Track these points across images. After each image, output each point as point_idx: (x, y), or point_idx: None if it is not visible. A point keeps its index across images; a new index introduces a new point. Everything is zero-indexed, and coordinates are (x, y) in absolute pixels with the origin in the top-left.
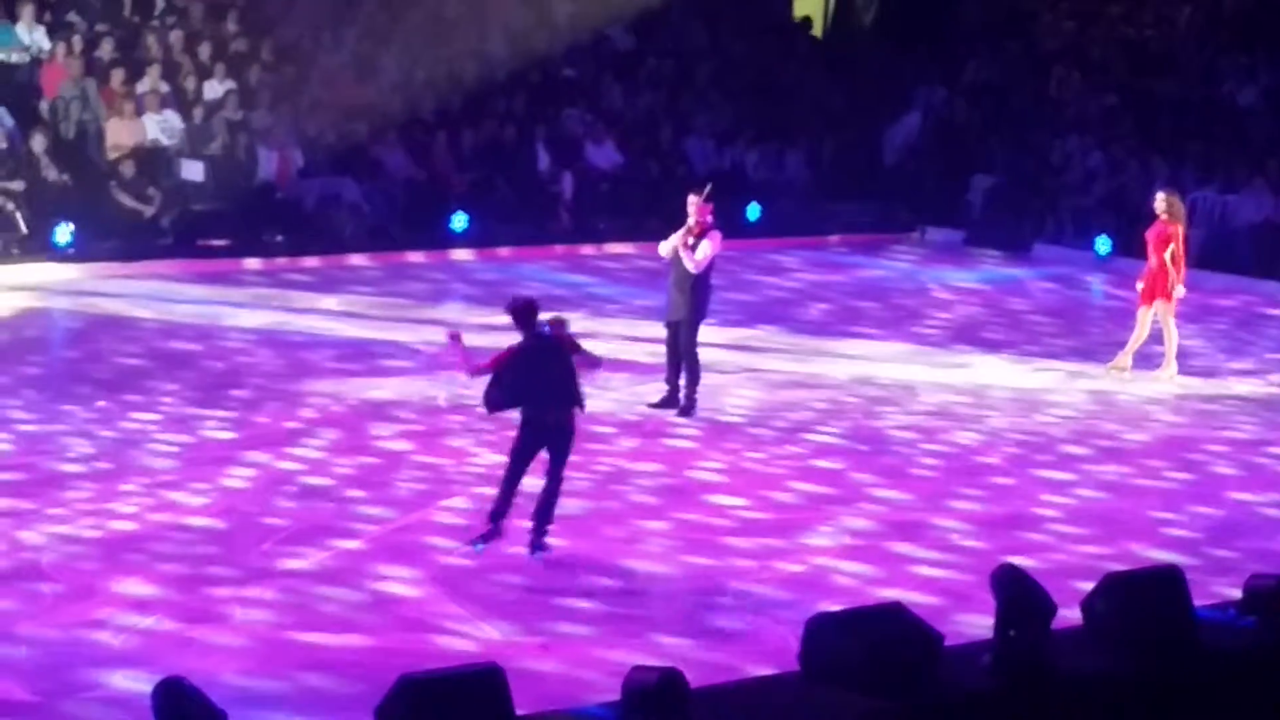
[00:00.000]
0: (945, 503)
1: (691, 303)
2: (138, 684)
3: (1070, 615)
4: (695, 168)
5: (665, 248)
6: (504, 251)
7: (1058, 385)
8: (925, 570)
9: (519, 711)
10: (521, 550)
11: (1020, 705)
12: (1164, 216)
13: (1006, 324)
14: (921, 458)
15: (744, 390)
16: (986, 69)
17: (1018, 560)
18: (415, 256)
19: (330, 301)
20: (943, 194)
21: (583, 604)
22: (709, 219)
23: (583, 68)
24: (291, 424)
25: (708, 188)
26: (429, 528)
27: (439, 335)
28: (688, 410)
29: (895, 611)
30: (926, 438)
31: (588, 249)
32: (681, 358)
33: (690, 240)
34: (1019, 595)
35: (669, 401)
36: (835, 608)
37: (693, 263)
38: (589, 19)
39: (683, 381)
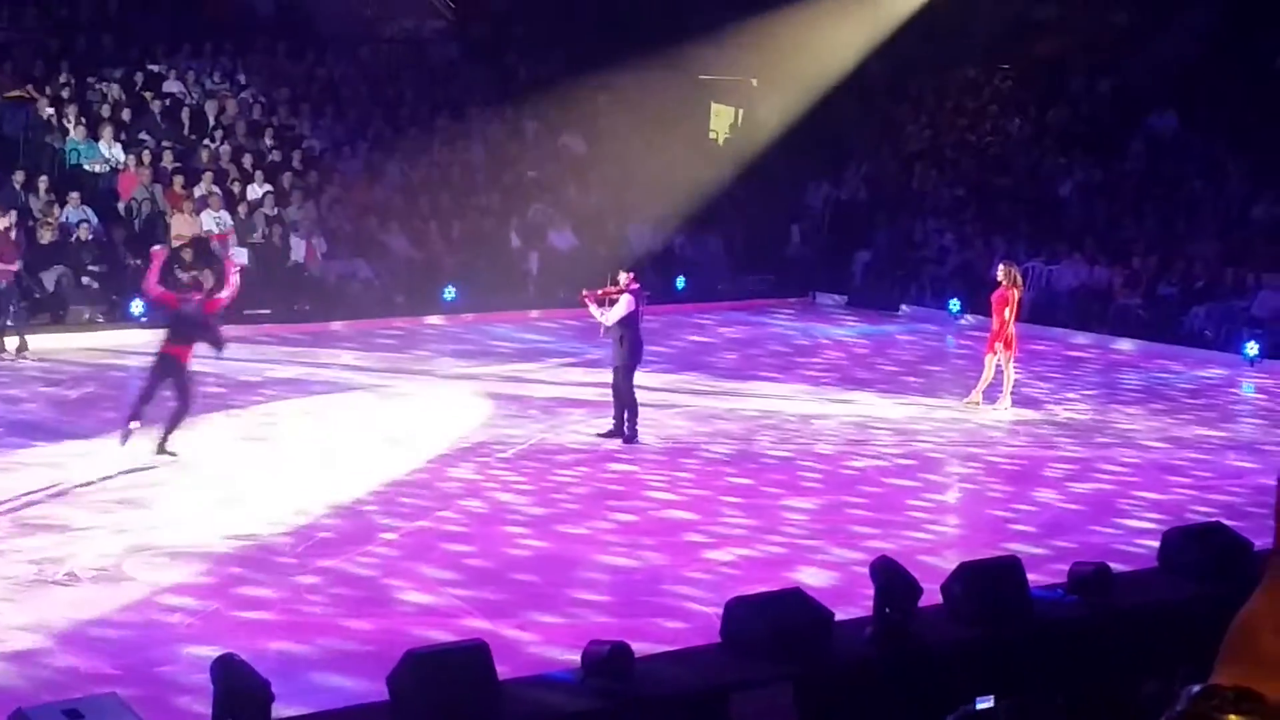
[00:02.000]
0: (836, 507)
1: (626, 351)
2: (200, 659)
3: (933, 596)
4: (635, 249)
5: (608, 318)
6: (484, 316)
7: (922, 415)
8: (821, 557)
9: (501, 678)
10: (508, 550)
11: (894, 668)
12: (1004, 282)
13: (880, 368)
14: (816, 472)
15: (675, 422)
16: (864, 168)
17: (891, 551)
18: (415, 321)
19: (348, 357)
20: (829, 267)
21: (552, 591)
22: (634, 286)
23: (546, 170)
24: (320, 454)
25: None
26: (430, 534)
27: (436, 381)
28: (630, 439)
29: (795, 595)
30: (821, 457)
31: (550, 313)
32: (621, 396)
33: (607, 299)
34: (893, 580)
35: (615, 432)
36: (750, 591)
37: (605, 318)
38: (551, 131)
39: (626, 415)
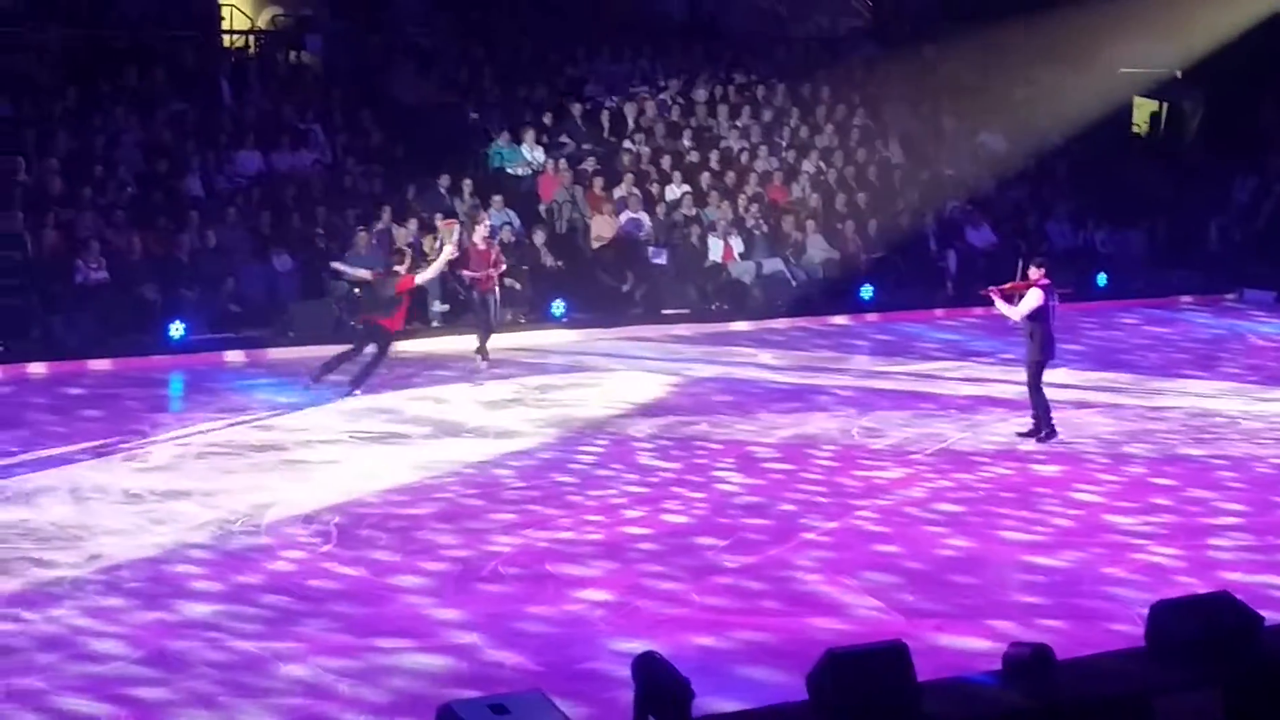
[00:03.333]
0: (1266, 508)
1: (1035, 348)
2: (621, 655)
3: None
4: (1054, 245)
5: (1016, 313)
6: (902, 314)
7: None
8: (1251, 559)
9: (920, 679)
10: (930, 550)
11: None
12: None
13: None
14: (1244, 472)
15: (1097, 420)
16: None
17: None
18: (832, 320)
19: (766, 356)
20: (1260, 262)
21: (973, 592)
22: (1043, 281)
23: (962, 167)
24: (739, 454)
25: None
26: (850, 532)
27: (852, 381)
28: (1046, 437)
29: (1223, 598)
30: (1249, 457)
31: (968, 312)
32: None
33: (1016, 295)
34: None
35: (1034, 431)
36: (1177, 594)
37: (1012, 313)
38: (969, 128)
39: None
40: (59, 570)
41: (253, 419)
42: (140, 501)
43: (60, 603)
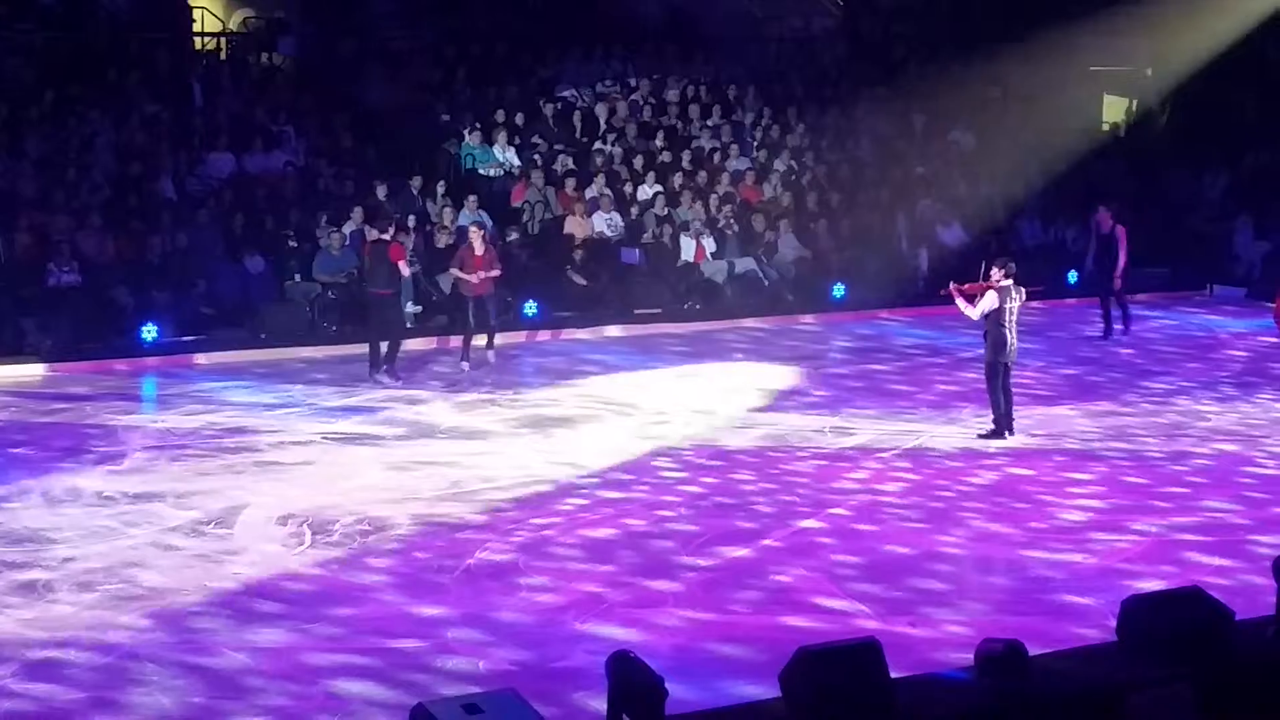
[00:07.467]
0: (1236, 504)
1: (990, 347)
2: (595, 654)
3: None
4: (1025, 242)
5: (973, 313)
6: (874, 313)
7: None
8: (1218, 554)
9: (893, 675)
10: (900, 548)
11: None
12: None
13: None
14: (1210, 472)
15: (1064, 417)
16: (1263, 155)
17: None
18: (805, 319)
19: (738, 355)
20: (1229, 259)
21: (944, 589)
22: (1003, 282)
23: (934, 165)
24: (713, 451)
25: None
26: (823, 530)
27: (817, 381)
28: (1002, 435)
29: (1194, 593)
30: (1216, 455)
31: (940, 310)
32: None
33: (978, 294)
34: None
35: (993, 431)
36: (1146, 589)
37: (970, 312)
38: (940, 127)
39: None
40: (32, 573)
41: (225, 421)
42: (113, 504)
43: (33, 605)
